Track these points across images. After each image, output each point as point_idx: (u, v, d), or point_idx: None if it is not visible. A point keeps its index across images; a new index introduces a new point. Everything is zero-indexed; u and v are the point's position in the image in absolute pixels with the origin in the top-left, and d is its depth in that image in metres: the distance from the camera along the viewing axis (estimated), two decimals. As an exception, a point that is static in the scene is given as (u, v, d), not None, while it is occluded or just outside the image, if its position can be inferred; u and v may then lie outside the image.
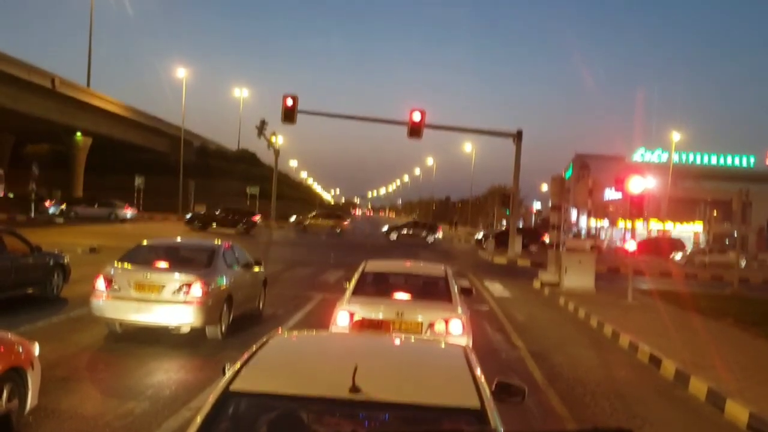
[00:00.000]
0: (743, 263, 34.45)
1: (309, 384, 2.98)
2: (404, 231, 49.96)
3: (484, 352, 8.97)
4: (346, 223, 53.89)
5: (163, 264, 10.06)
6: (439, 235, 50.57)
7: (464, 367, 3.33)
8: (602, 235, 60.66)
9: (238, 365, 3.14)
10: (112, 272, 9.87)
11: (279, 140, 64.71)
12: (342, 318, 7.65)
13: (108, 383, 7.81)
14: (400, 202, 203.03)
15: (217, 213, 43.67)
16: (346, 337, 4.94)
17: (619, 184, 18.75)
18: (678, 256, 41.83)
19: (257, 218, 44.94)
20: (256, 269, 12.38)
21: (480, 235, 48.87)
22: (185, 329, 9.80)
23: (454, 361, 3.54)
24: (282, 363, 3.36)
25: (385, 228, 52.97)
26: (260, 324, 11.72)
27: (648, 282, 23.57)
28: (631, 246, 18.66)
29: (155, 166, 60.69)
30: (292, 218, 54.10)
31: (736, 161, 65.74)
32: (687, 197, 53.78)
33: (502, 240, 45.74)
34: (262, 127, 58.32)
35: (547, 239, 47.55)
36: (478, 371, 3.29)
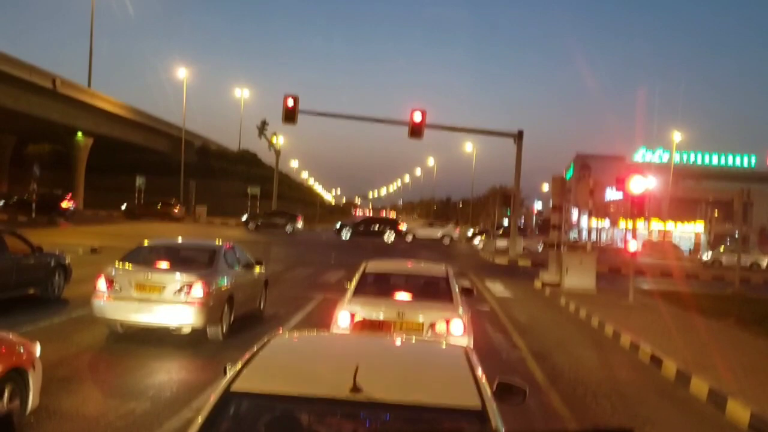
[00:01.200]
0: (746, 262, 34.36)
1: (310, 384, 2.98)
2: (261, 221, 48.42)
3: (485, 352, 8.98)
4: (176, 210, 52.19)
5: (164, 264, 10.06)
6: (299, 224, 49.30)
7: (465, 367, 3.33)
8: (603, 236, 60.61)
9: (239, 365, 3.15)
10: (113, 273, 9.88)
11: (280, 140, 64.81)
12: (343, 318, 7.66)
13: (109, 383, 7.82)
14: (401, 202, 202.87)
15: (24, 198, 39.36)
16: (347, 338, 4.94)
17: (620, 184, 18.74)
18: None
19: (67, 204, 40.57)
20: (258, 269, 12.38)
21: (338, 225, 48.41)
22: (186, 330, 9.80)
23: (455, 361, 3.54)
24: (283, 363, 3.37)
25: (244, 217, 50.30)
26: (261, 324, 11.72)
27: (649, 282, 23.57)
28: (632, 246, 18.63)
29: (156, 167, 60.70)
30: (123, 206, 52.62)
31: (737, 161, 65.68)
32: (688, 197, 53.78)
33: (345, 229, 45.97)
34: (262, 128, 58.11)
35: (403, 227, 48.48)
36: (479, 371, 3.29)
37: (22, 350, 5.79)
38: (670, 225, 57.79)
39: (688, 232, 59.29)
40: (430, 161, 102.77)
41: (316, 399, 2.90)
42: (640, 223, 34.19)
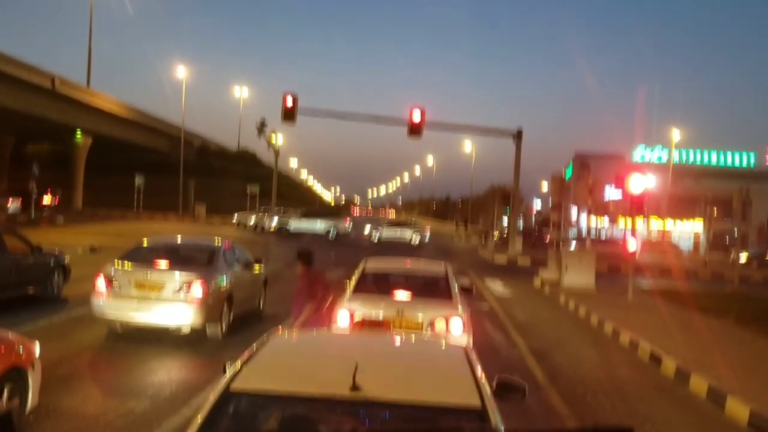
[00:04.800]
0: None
1: (309, 383, 2.98)
2: None
3: (485, 350, 8.97)
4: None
5: (163, 263, 10.05)
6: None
7: (465, 366, 3.33)
8: (603, 235, 60.61)
9: (238, 364, 3.15)
10: (112, 272, 9.87)
11: (279, 140, 64.78)
12: (342, 317, 7.66)
13: (109, 382, 7.82)
14: (400, 201, 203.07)
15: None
16: (347, 336, 4.94)
17: (620, 182, 18.75)
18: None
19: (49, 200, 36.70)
20: (257, 268, 12.39)
21: (234, 219, 47.00)
22: (186, 329, 9.79)
23: (454, 360, 3.54)
24: (282, 362, 3.36)
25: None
26: (261, 323, 11.72)
27: (648, 280, 23.57)
28: (631, 245, 18.63)
29: (156, 166, 60.63)
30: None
31: (737, 159, 65.67)
32: (687, 195, 53.73)
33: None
34: (262, 127, 58.01)
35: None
36: (479, 370, 3.29)
37: (21, 349, 5.79)
38: (669, 223, 57.80)
39: (687, 231, 59.30)
40: (430, 160, 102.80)
41: (316, 398, 2.90)
42: (640, 222, 34.23)
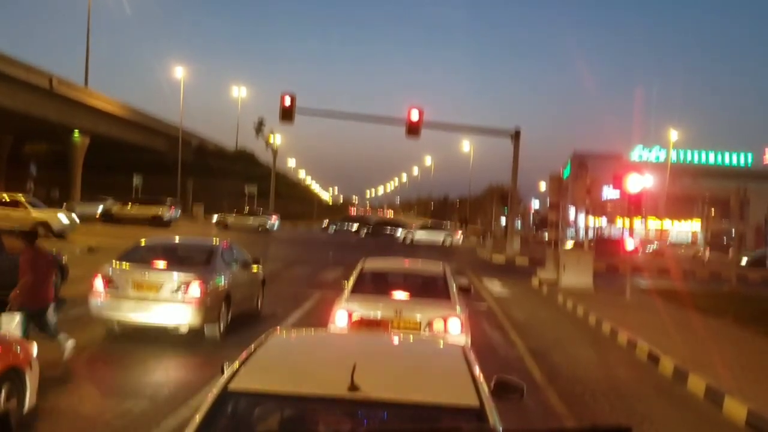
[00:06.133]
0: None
1: (308, 383, 2.98)
2: None
3: (483, 350, 8.97)
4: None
5: (161, 263, 10.05)
6: None
7: (463, 365, 3.33)
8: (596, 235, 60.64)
9: (236, 364, 3.14)
10: (110, 272, 9.87)
11: (277, 139, 64.81)
12: (340, 317, 7.65)
13: (107, 382, 7.82)
14: (398, 201, 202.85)
15: None
16: (345, 336, 4.94)
17: (618, 182, 18.76)
18: None
19: None
20: (255, 268, 12.38)
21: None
22: (184, 329, 9.78)
23: (452, 359, 3.54)
24: (280, 362, 3.36)
25: None
26: (259, 323, 11.70)
27: (647, 280, 23.59)
28: (629, 244, 18.65)
29: (154, 166, 60.57)
30: None
31: (734, 159, 65.80)
32: (685, 195, 53.80)
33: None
34: (259, 127, 57.89)
35: None
36: (477, 370, 3.29)
37: (18, 350, 5.79)
38: (667, 223, 57.88)
39: (685, 231, 59.41)
40: (428, 160, 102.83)
41: (314, 398, 2.89)
42: (637, 222, 34.22)
